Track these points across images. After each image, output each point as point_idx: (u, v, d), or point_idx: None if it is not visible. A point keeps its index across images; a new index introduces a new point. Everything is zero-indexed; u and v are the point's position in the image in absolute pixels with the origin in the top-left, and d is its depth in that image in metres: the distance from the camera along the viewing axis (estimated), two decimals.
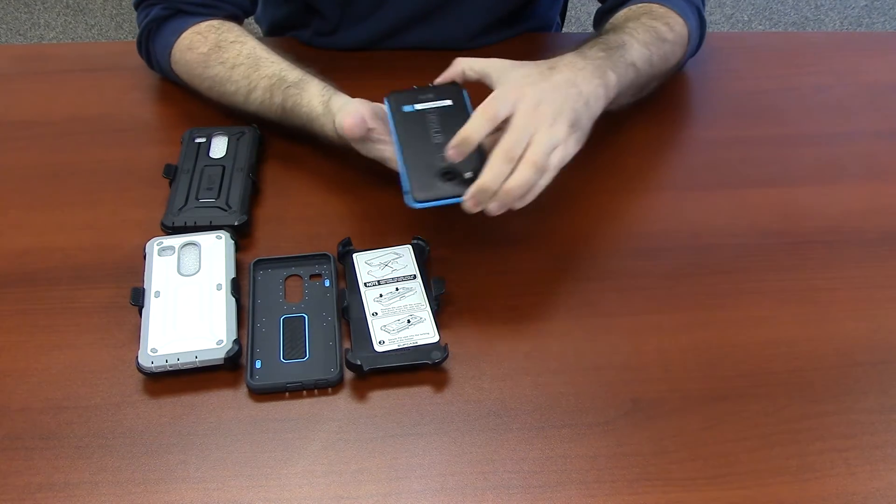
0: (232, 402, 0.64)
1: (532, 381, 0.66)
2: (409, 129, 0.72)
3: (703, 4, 0.92)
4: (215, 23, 0.87)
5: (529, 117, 0.68)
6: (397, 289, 0.70)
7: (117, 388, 0.65)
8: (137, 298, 0.68)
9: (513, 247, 0.77)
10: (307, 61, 0.84)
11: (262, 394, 0.64)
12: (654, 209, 0.81)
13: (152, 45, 0.90)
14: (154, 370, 0.64)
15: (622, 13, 0.89)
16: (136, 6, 0.91)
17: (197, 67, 0.86)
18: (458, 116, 0.71)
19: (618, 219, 0.80)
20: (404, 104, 0.73)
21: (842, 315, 0.72)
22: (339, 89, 0.79)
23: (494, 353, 0.68)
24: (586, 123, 0.72)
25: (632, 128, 0.89)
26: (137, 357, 0.64)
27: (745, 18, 2.41)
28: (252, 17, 1.01)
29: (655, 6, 0.88)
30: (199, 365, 0.65)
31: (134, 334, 0.67)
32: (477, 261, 0.75)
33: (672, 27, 0.87)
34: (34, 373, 0.66)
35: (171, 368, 0.64)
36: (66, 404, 0.64)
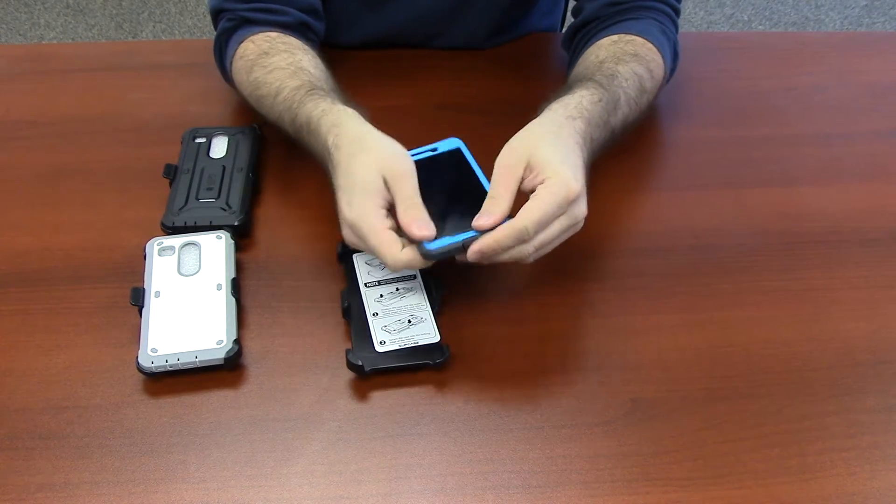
0: (232, 402, 0.64)
1: (532, 381, 0.66)
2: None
3: (677, 33, 0.89)
4: (273, 34, 0.84)
5: (570, 219, 0.66)
6: (398, 289, 0.70)
7: (117, 388, 0.65)
8: (137, 298, 0.68)
9: None
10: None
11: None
12: (654, 209, 0.81)
13: (223, 60, 0.87)
14: (154, 370, 0.64)
15: (609, 45, 0.84)
16: (213, 20, 0.89)
17: (242, 73, 0.83)
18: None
19: (617, 219, 0.80)
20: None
21: (842, 315, 0.72)
22: (369, 122, 0.72)
23: (494, 353, 0.68)
24: None
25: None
26: (137, 357, 0.64)
27: (745, 18, 2.41)
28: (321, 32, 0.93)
29: (641, 44, 0.83)
30: (199, 365, 0.65)
31: (134, 334, 0.67)
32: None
33: (653, 73, 0.83)
34: (34, 373, 0.66)
35: (171, 368, 0.64)
36: (66, 404, 0.64)
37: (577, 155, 0.69)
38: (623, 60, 0.81)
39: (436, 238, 0.64)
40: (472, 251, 0.64)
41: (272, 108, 0.79)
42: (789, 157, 0.87)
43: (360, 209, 0.65)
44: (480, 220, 0.64)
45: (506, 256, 0.64)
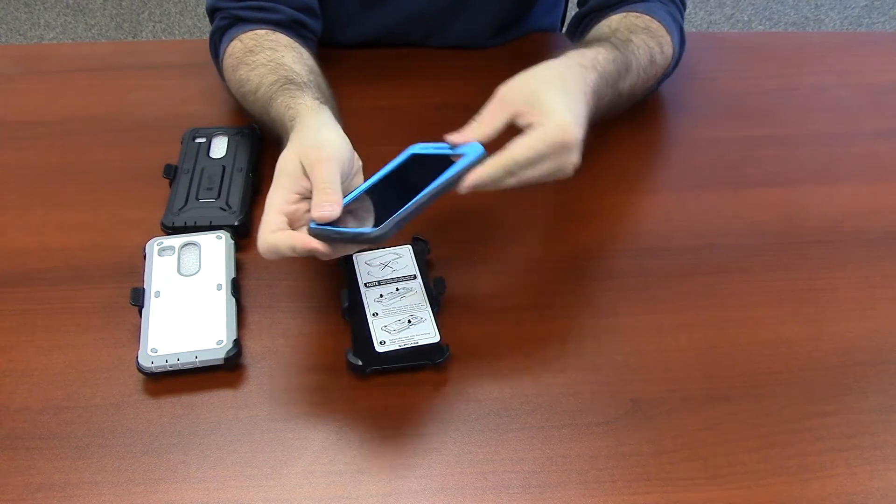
0: (232, 402, 0.64)
1: (532, 381, 0.66)
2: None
3: (683, 21, 0.90)
4: (261, 31, 0.84)
5: (559, 163, 0.66)
6: (398, 289, 0.70)
7: (117, 388, 0.65)
8: (137, 298, 0.68)
9: (513, 247, 0.77)
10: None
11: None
12: (655, 209, 0.81)
13: (218, 58, 0.88)
14: (154, 370, 0.64)
15: (619, 19, 0.85)
16: (209, 18, 0.89)
17: (230, 71, 0.84)
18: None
19: (618, 219, 0.80)
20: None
21: (842, 315, 0.72)
22: (334, 116, 0.72)
23: (494, 353, 0.68)
24: None
25: (631, 128, 0.89)
26: (137, 357, 0.64)
27: (745, 18, 2.41)
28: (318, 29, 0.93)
29: (649, 20, 0.85)
30: (199, 365, 0.65)
31: (134, 334, 0.67)
32: (477, 261, 0.75)
33: (663, 49, 0.84)
34: (34, 373, 0.66)
35: (171, 368, 0.64)
36: (66, 404, 0.64)
37: (581, 104, 0.69)
38: (635, 32, 0.83)
39: (339, 225, 0.62)
40: (466, 186, 0.64)
41: (253, 105, 0.80)
42: (789, 157, 0.87)
43: (271, 190, 0.65)
44: (452, 137, 0.66)
45: (491, 186, 0.65)
